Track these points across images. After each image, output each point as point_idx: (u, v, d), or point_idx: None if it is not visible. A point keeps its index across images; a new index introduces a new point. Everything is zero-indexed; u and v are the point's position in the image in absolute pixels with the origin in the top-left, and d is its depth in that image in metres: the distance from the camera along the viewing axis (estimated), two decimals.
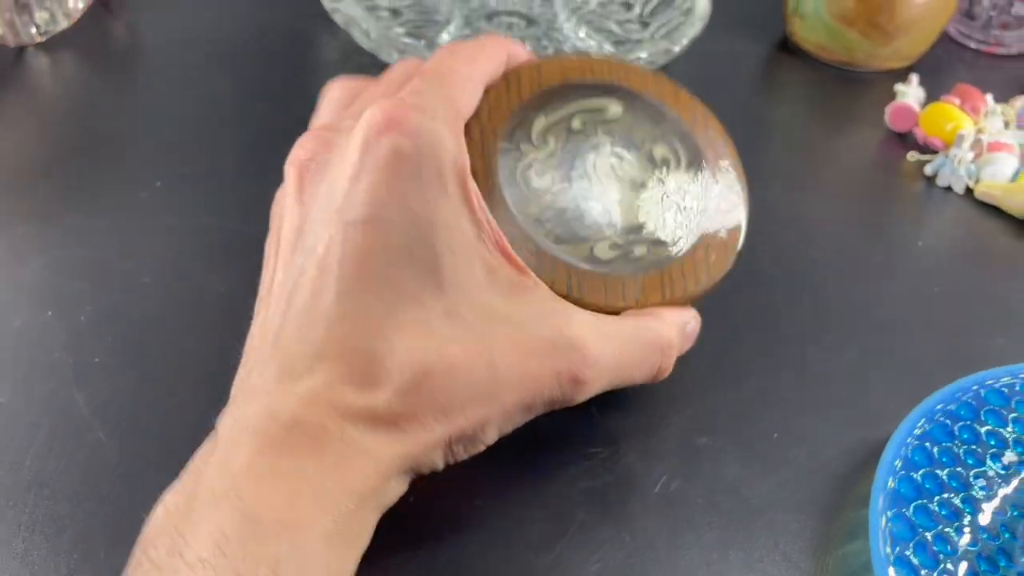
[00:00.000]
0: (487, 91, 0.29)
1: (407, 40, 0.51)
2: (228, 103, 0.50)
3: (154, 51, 0.55)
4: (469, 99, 0.28)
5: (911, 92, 0.54)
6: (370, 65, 0.54)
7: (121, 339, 0.34)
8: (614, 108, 0.31)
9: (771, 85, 0.60)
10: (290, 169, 0.28)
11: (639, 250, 0.30)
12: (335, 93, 0.31)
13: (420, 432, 0.23)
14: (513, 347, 0.25)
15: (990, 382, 0.34)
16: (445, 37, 0.56)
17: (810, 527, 0.30)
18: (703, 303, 0.32)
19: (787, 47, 0.63)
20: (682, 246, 0.30)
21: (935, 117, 0.51)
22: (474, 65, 0.28)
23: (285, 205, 0.27)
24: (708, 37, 0.60)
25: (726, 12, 0.64)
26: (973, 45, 0.66)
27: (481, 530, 0.29)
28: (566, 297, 0.28)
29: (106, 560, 0.27)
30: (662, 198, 0.31)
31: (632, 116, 0.32)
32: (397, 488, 0.24)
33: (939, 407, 0.32)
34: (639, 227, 0.30)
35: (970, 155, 0.48)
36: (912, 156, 0.51)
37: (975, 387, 0.33)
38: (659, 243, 0.30)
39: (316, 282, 0.24)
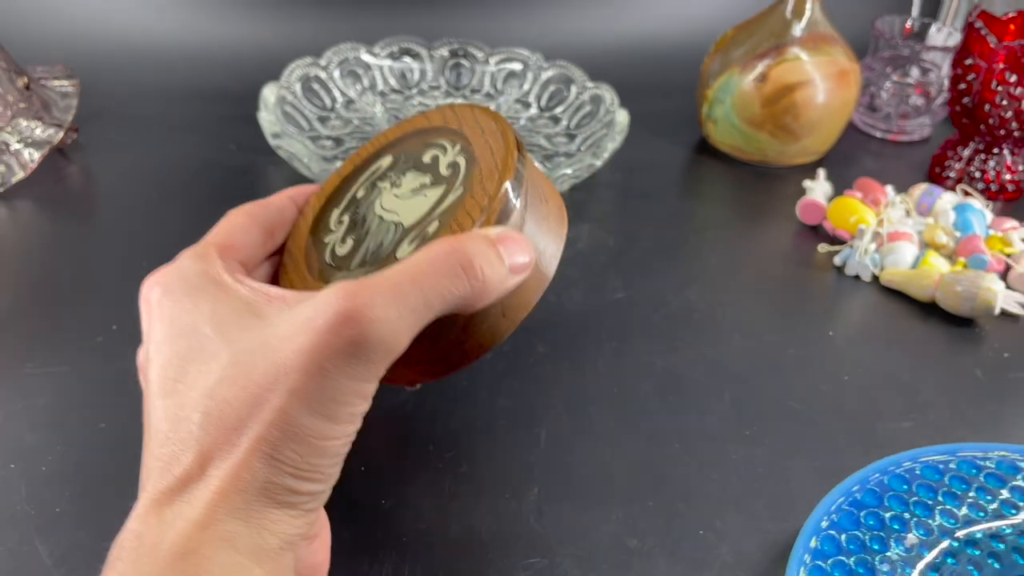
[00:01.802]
0: (291, 230, 0.34)
1: None
2: (179, 240, 0.53)
3: (107, 193, 0.58)
4: (231, 235, 0.31)
5: (818, 187, 0.59)
6: None
7: (81, 488, 0.36)
8: (385, 161, 0.34)
9: (692, 187, 0.64)
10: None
11: (432, 227, 0.31)
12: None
13: (222, 464, 0.24)
14: (282, 340, 0.25)
15: (892, 468, 0.37)
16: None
17: None
18: (631, 412, 0.34)
19: (706, 149, 0.68)
20: (462, 197, 0.31)
21: (840, 211, 0.55)
22: (237, 212, 0.32)
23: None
24: (631, 145, 0.64)
25: (647, 120, 0.69)
26: (879, 134, 0.71)
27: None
28: None
29: None
30: (439, 181, 0.32)
31: (401, 153, 0.34)
32: (250, 530, 0.24)
33: (844, 497, 0.35)
34: (428, 213, 0.31)
35: (872, 246, 0.52)
36: (822, 248, 0.55)
37: (878, 475, 0.36)
38: (446, 210, 0.31)
39: (146, 415, 0.28)
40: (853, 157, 0.69)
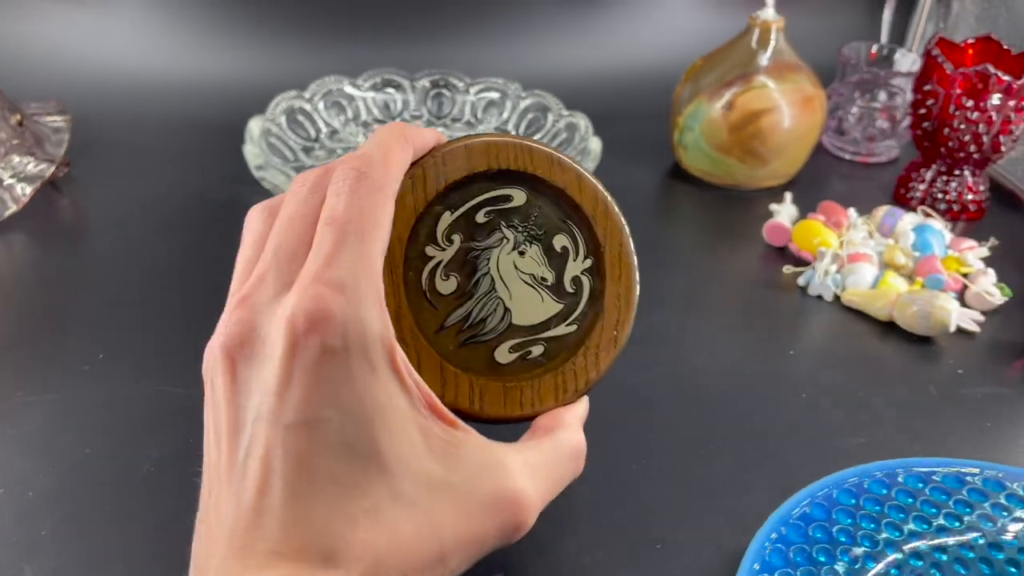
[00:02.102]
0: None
1: None
2: (166, 270, 0.55)
3: (97, 224, 0.60)
4: (384, 244, 0.27)
5: (784, 210, 0.61)
6: None
7: (67, 511, 0.38)
8: (518, 197, 0.32)
9: (664, 211, 0.66)
10: (220, 351, 0.27)
11: (537, 349, 0.32)
12: (256, 226, 0.30)
13: None
14: (458, 513, 0.26)
15: (840, 483, 0.39)
16: None
17: None
18: (597, 430, 0.36)
19: (679, 174, 0.70)
20: (575, 342, 0.32)
21: (804, 233, 0.57)
22: (387, 196, 0.28)
23: (218, 398, 0.27)
24: (607, 171, 0.66)
25: (622, 146, 0.71)
26: (848, 157, 0.73)
27: None
28: (468, 409, 0.30)
29: None
30: (559, 293, 0.32)
31: (535, 205, 0.32)
32: None
33: (794, 511, 0.37)
34: (537, 325, 0.32)
35: (833, 267, 0.54)
36: (787, 269, 0.57)
37: (826, 489, 0.38)
38: (555, 340, 0.32)
39: (262, 483, 0.24)
40: (823, 179, 0.71)
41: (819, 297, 0.55)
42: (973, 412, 0.46)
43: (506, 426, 0.32)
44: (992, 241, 0.59)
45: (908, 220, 0.59)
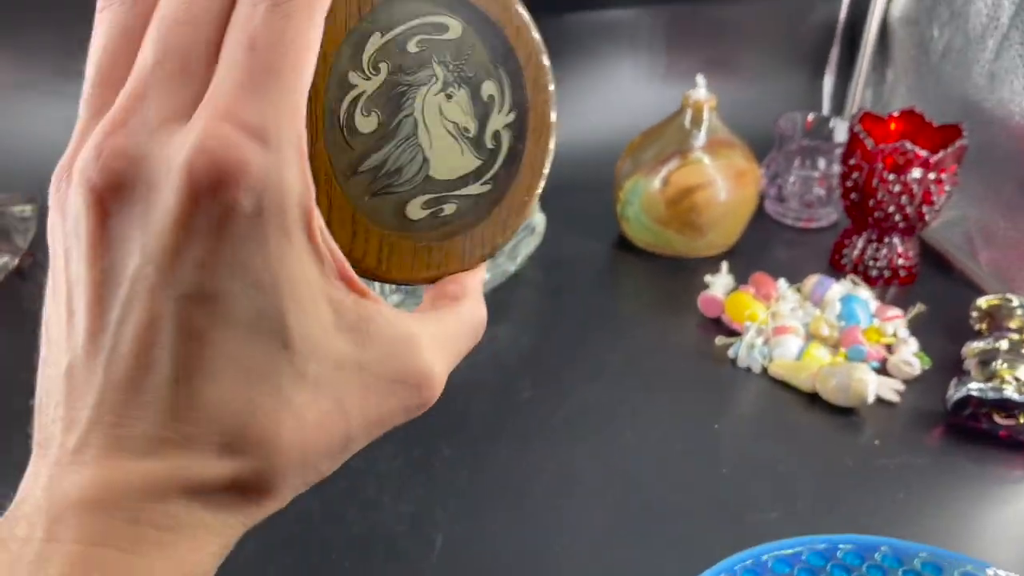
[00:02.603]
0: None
1: None
2: None
3: None
4: (308, 78, 0.23)
5: (719, 282, 0.63)
6: None
7: None
8: (453, 28, 0.29)
9: (608, 281, 0.69)
10: (86, 198, 0.21)
11: (449, 208, 0.30)
12: (119, 9, 0.24)
13: (275, 500, 0.23)
14: (366, 393, 0.24)
15: (744, 562, 0.41)
16: None
17: None
18: (524, 511, 0.38)
19: (624, 244, 0.72)
20: (486, 203, 0.30)
21: (735, 306, 0.60)
22: (319, 12, 0.23)
23: (79, 250, 0.22)
24: (556, 243, 0.69)
25: (571, 219, 0.73)
26: (789, 222, 0.76)
27: None
28: (375, 271, 0.29)
29: None
30: (478, 148, 0.30)
31: (469, 39, 0.30)
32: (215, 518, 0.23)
33: None
34: (453, 181, 0.30)
35: (759, 340, 0.57)
36: (719, 340, 0.59)
37: (725, 572, 0.40)
38: (467, 198, 0.30)
39: (142, 358, 0.21)
40: (765, 244, 0.73)
41: (748, 369, 0.57)
42: (887, 483, 0.48)
43: None
44: (919, 307, 0.62)
45: (836, 289, 0.61)
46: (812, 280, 0.63)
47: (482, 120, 0.30)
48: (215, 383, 0.21)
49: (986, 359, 0.53)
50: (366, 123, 0.27)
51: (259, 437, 0.22)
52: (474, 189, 0.30)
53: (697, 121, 0.66)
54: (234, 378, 0.22)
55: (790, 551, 0.41)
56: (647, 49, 0.85)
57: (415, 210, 0.29)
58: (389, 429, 0.25)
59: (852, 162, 0.64)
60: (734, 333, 0.60)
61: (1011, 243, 0.66)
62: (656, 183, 0.66)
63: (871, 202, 0.63)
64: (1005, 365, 0.52)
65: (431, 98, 0.29)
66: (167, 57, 0.22)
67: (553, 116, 0.31)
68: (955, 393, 0.52)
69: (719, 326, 0.62)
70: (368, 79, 0.27)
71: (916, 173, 0.61)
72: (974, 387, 0.51)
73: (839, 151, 0.73)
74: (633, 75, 0.85)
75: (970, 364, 0.54)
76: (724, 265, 0.65)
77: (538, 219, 0.66)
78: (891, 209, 0.63)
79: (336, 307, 0.24)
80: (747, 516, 0.46)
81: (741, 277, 0.65)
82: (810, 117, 0.76)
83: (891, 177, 0.61)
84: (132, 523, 0.20)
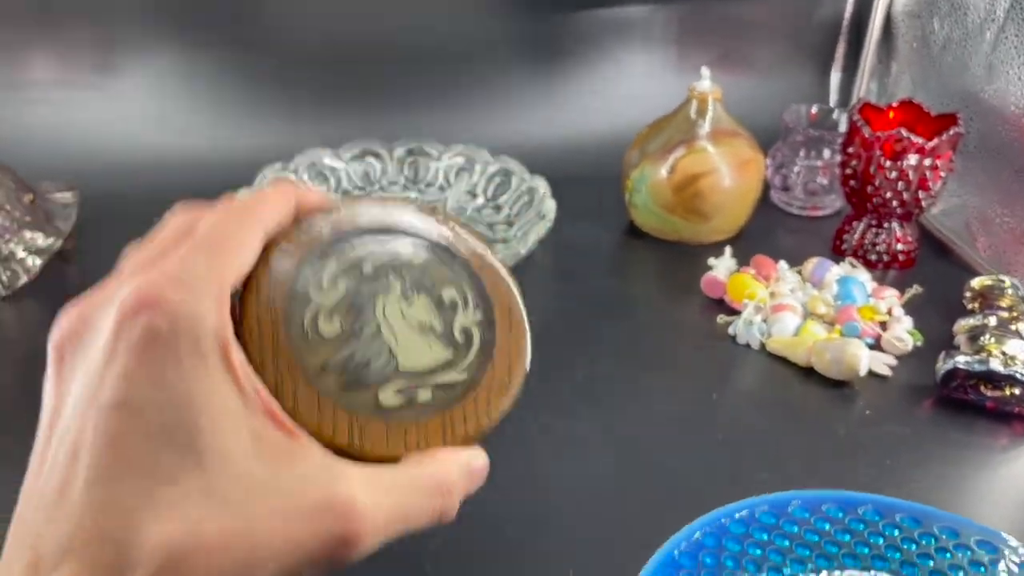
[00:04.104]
0: (276, 237, 0.30)
1: None
2: None
3: None
4: (240, 263, 0.27)
5: (722, 264, 0.66)
6: None
7: None
8: (405, 251, 0.32)
9: (616, 266, 0.72)
10: (51, 346, 0.26)
11: (423, 395, 0.31)
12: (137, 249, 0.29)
13: None
14: (274, 516, 0.24)
15: (736, 514, 0.43)
16: None
17: None
18: (525, 470, 0.41)
19: (633, 231, 0.75)
20: (463, 388, 0.32)
21: (736, 286, 0.62)
22: (250, 225, 0.28)
23: (45, 388, 0.26)
24: (566, 230, 0.72)
25: (582, 206, 0.77)
26: (795, 211, 0.79)
27: None
28: (348, 447, 0.29)
29: None
30: (448, 342, 0.32)
31: (423, 259, 0.33)
32: None
33: (687, 539, 0.42)
34: (424, 372, 0.31)
35: (758, 317, 0.59)
36: (720, 319, 0.62)
37: (718, 519, 0.43)
38: (443, 387, 0.31)
39: (66, 470, 0.23)
40: (770, 231, 0.76)
41: (747, 345, 0.60)
42: (875, 450, 0.51)
43: None
44: (915, 289, 0.64)
45: (835, 271, 0.64)
46: (812, 262, 0.65)
47: (447, 319, 0.32)
48: (122, 486, 0.22)
49: (975, 334, 0.56)
50: (330, 328, 0.30)
51: (156, 543, 0.22)
52: (449, 377, 0.31)
53: (702, 111, 0.68)
54: (141, 484, 0.23)
55: (773, 504, 0.44)
56: (658, 44, 0.88)
57: (388, 397, 0.30)
58: (310, 562, 0.25)
59: (851, 150, 0.66)
60: (735, 312, 0.63)
61: (1008, 229, 0.68)
62: (663, 171, 0.69)
63: (869, 188, 0.66)
64: (993, 340, 0.54)
65: (392, 304, 0.31)
66: (138, 260, 0.27)
67: (521, 307, 0.34)
68: (943, 365, 0.54)
69: (721, 306, 0.64)
70: (327, 294, 0.30)
71: (912, 160, 0.63)
72: (961, 360, 0.53)
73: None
74: (644, 70, 0.88)
75: (960, 339, 0.57)
76: (728, 249, 0.68)
77: (549, 205, 0.69)
78: (889, 195, 0.65)
79: (256, 436, 0.25)
80: (740, 476, 0.48)
81: (745, 261, 0.67)
82: (814, 109, 0.79)
83: (888, 164, 0.64)
84: None
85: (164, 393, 0.23)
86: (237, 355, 0.25)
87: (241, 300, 0.29)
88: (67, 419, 0.24)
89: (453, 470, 0.30)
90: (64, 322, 0.26)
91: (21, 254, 0.65)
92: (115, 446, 0.23)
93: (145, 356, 0.23)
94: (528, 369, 0.33)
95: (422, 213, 0.34)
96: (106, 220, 0.76)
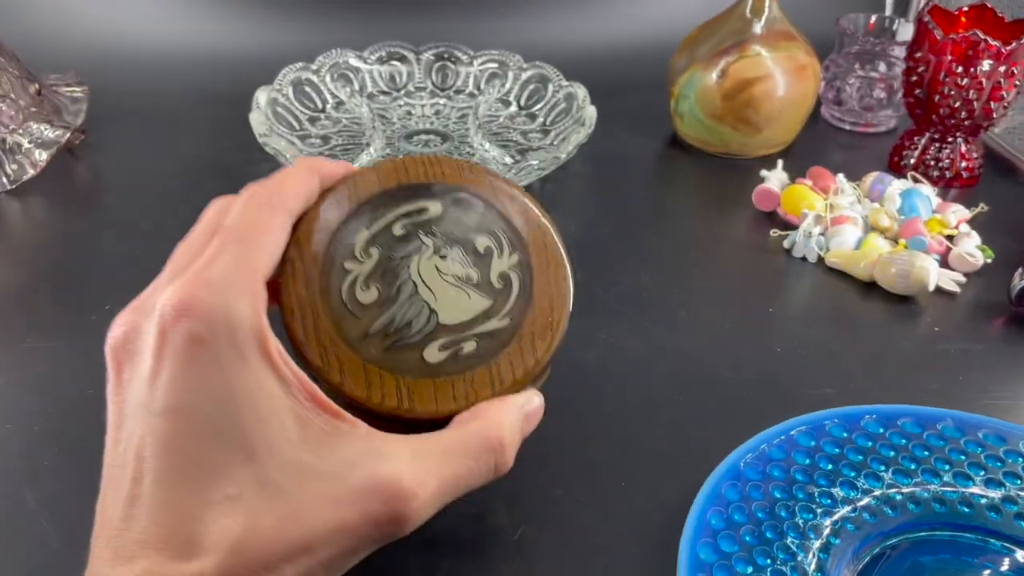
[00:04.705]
0: (305, 215, 0.31)
1: None
2: (174, 231, 0.57)
3: (111, 189, 0.63)
4: (270, 250, 0.29)
5: (774, 176, 0.62)
6: None
7: (68, 445, 0.40)
8: (433, 208, 0.33)
9: (659, 178, 0.68)
10: (108, 353, 0.28)
11: (468, 347, 0.31)
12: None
13: None
14: (324, 503, 0.25)
15: (804, 427, 0.40)
16: (365, 159, 0.64)
17: (644, 559, 0.36)
18: (572, 379, 0.38)
19: (676, 143, 0.71)
20: (507, 335, 0.32)
21: (791, 198, 0.58)
22: (274, 209, 0.30)
23: (107, 394, 0.28)
24: (606, 140, 0.68)
25: (623, 116, 0.72)
26: (847, 127, 0.74)
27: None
28: (397, 410, 0.29)
29: None
30: (487, 290, 0.32)
31: (452, 212, 0.33)
32: None
33: (753, 450, 0.38)
34: (466, 323, 0.31)
35: (817, 229, 0.55)
36: (774, 232, 0.58)
37: (786, 432, 0.39)
38: (486, 335, 0.31)
39: (134, 472, 0.25)
40: (821, 148, 0.72)
41: (803, 259, 0.56)
42: (945, 366, 0.47)
43: None
44: (981, 207, 0.60)
45: (897, 185, 0.59)
46: (871, 176, 0.61)
47: (483, 268, 0.32)
48: (183, 487, 0.25)
49: None
50: (366, 296, 0.31)
51: (217, 537, 0.24)
52: (491, 325, 0.31)
53: (758, 11, 0.64)
54: (199, 482, 0.25)
55: (844, 418, 0.41)
56: None
57: (432, 354, 0.30)
58: (364, 544, 0.26)
59: (918, 55, 0.61)
60: (788, 227, 0.59)
61: None
62: (712, 76, 0.64)
63: (936, 98, 0.61)
64: None
65: (425, 263, 0.32)
66: (173, 261, 0.30)
67: (557, 242, 0.33)
68: (1020, 283, 0.50)
69: (773, 220, 0.60)
70: (362, 263, 0.31)
71: (986, 66, 0.58)
72: None
73: (901, 52, 0.71)
74: None
75: None
76: (780, 161, 0.64)
77: (589, 112, 0.65)
78: (957, 104, 0.61)
79: (302, 422, 0.26)
80: (800, 391, 0.45)
81: (796, 176, 0.63)
82: (873, 18, 0.74)
83: (959, 70, 0.59)
84: None
85: (210, 395, 0.25)
86: (275, 346, 0.27)
87: (279, 281, 0.30)
88: (129, 425, 0.26)
89: (504, 423, 0.30)
90: (116, 330, 0.28)
91: (27, 145, 0.61)
92: (171, 449, 0.25)
93: (189, 362, 0.25)
94: (571, 305, 0.33)
95: (437, 159, 0.34)
96: (118, 117, 0.72)
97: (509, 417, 0.30)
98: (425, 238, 0.32)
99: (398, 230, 0.32)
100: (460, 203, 0.33)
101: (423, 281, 0.31)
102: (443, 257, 0.32)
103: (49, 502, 0.37)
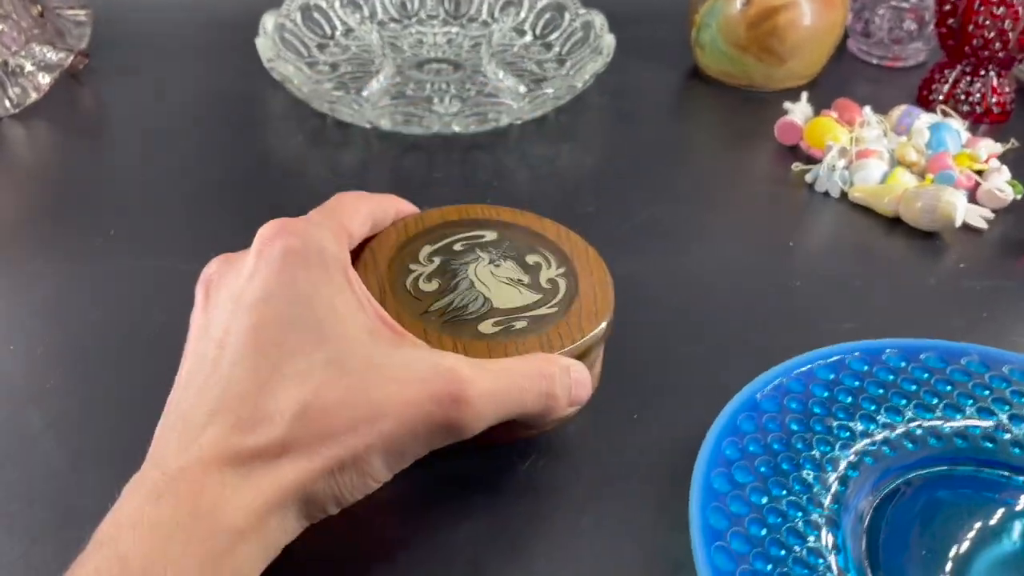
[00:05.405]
0: (378, 234, 0.36)
1: (336, 93, 0.57)
2: (179, 157, 0.57)
3: (116, 114, 0.61)
4: (356, 222, 0.33)
5: (798, 109, 0.60)
6: (309, 115, 0.60)
7: (73, 366, 0.40)
8: (490, 235, 0.38)
9: (678, 111, 0.66)
10: (198, 287, 0.31)
11: (519, 324, 0.34)
12: None
13: (300, 461, 0.25)
14: (388, 381, 0.27)
15: (825, 360, 0.39)
16: (375, 86, 0.62)
17: (657, 489, 0.35)
18: None
19: (697, 75, 0.69)
20: (556, 319, 0.34)
21: (815, 131, 0.56)
22: (362, 201, 0.35)
23: (194, 317, 0.30)
24: (623, 71, 0.66)
25: (641, 46, 0.70)
26: (875, 61, 0.72)
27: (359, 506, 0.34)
28: None
29: (53, 552, 0.32)
30: (537, 289, 0.35)
31: (506, 237, 0.38)
32: (283, 527, 0.26)
33: (770, 383, 0.37)
34: (519, 309, 0.34)
35: (841, 162, 0.53)
36: (796, 166, 0.56)
37: (805, 365, 0.38)
38: (536, 318, 0.34)
39: (216, 358, 0.27)
40: (847, 82, 0.69)
41: (826, 194, 0.54)
42: (971, 302, 0.46)
43: None
44: (1012, 143, 0.58)
45: (925, 119, 0.57)
46: (899, 110, 0.59)
47: (534, 275, 0.36)
48: (258, 362, 0.27)
49: None
50: (429, 286, 0.35)
51: (285, 404, 0.26)
52: (541, 311, 0.35)
53: None
54: (274, 358, 0.27)
55: (865, 351, 0.39)
56: None
57: (487, 328, 0.33)
58: (424, 423, 0.27)
59: None
60: (812, 161, 0.57)
61: None
62: (736, 4, 0.62)
63: (971, 27, 0.59)
64: None
65: (481, 268, 0.36)
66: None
67: (598, 257, 0.38)
68: None
69: (796, 154, 0.58)
70: (425, 266, 0.36)
71: None
72: None
73: None
74: None
75: None
76: (804, 94, 0.62)
77: (607, 40, 0.63)
78: (992, 35, 0.58)
79: (370, 331, 0.29)
80: (821, 325, 0.44)
81: (817, 111, 0.61)
82: None
83: None
84: (174, 482, 0.25)
85: (295, 291, 0.28)
86: (355, 277, 0.30)
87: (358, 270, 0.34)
88: (215, 324, 0.29)
89: (555, 364, 0.32)
90: (211, 265, 0.31)
91: (30, 68, 0.59)
92: (254, 332, 0.27)
93: (281, 265, 0.28)
94: (614, 303, 0.36)
95: (493, 206, 0.39)
96: (122, 41, 0.70)
97: (560, 365, 0.32)
98: (481, 252, 0.37)
99: (458, 246, 0.37)
100: (512, 230, 0.38)
101: (479, 279, 0.35)
102: (496, 265, 0.36)
103: (54, 421, 0.37)
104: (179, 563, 0.23)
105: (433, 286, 0.35)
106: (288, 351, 0.27)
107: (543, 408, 0.31)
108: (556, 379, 0.31)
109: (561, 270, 0.37)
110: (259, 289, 0.28)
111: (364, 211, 0.35)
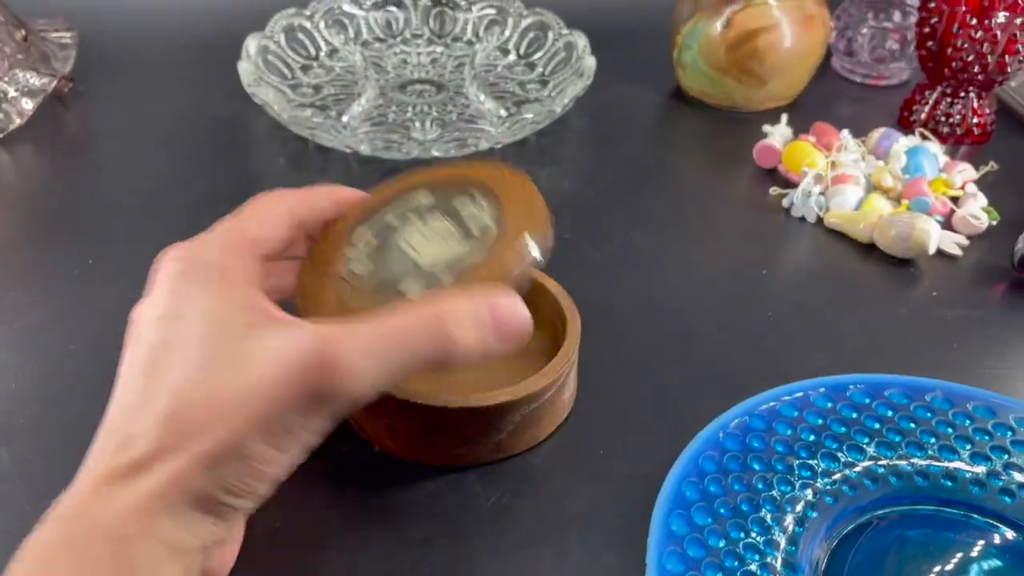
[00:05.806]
0: (323, 231, 0.36)
1: (316, 120, 0.57)
2: (163, 182, 0.57)
3: (100, 139, 0.62)
4: (266, 226, 0.33)
5: (777, 132, 0.60)
6: (291, 138, 0.61)
7: (46, 402, 0.40)
8: (425, 197, 0.36)
9: (659, 132, 0.66)
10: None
11: (445, 279, 0.32)
12: None
13: (169, 463, 0.26)
14: (257, 365, 0.27)
15: (789, 396, 0.39)
16: (356, 108, 0.62)
17: (619, 528, 0.36)
18: None
19: (679, 95, 0.69)
20: (482, 264, 0.32)
21: (793, 155, 0.57)
22: (279, 202, 0.34)
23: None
24: (605, 91, 0.66)
25: (623, 66, 0.70)
26: (858, 79, 0.72)
27: (335, 543, 0.34)
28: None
29: None
30: (467, 238, 0.33)
31: (438, 195, 0.36)
32: (184, 524, 0.26)
33: (733, 422, 0.37)
34: (444, 263, 0.33)
35: (817, 188, 0.54)
36: (773, 191, 0.56)
37: (773, 402, 0.38)
38: (464, 269, 0.32)
39: (117, 383, 0.29)
40: (830, 102, 0.69)
41: (802, 219, 0.54)
42: (941, 333, 0.46)
43: None
44: (990, 165, 0.58)
45: (903, 143, 0.57)
46: (878, 132, 0.59)
47: (467, 225, 0.34)
48: (134, 385, 0.28)
49: None
50: (363, 268, 0.34)
51: (152, 423, 0.26)
52: (469, 261, 0.33)
53: None
54: (145, 379, 0.28)
55: (829, 388, 0.40)
56: None
57: (414, 290, 0.32)
58: (298, 398, 0.27)
59: (932, 5, 0.59)
60: (789, 184, 0.57)
61: None
62: (717, 25, 0.62)
63: (949, 51, 0.59)
64: None
65: (411, 232, 0.35)
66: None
67: (532, 185, 0.35)
68: (1022, 247, 0.48)
69: (774, 178, 0.59)
70: (360, 249, 0.35)
71: (1001, 18, 0.56)
72: None
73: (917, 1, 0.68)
74: None
75: None
76: (784, 116, 0.62)
77: (588, 63, 0.63)
78: (971, 58, 0.58)
79: (249, 325, 0.28)
80: (791, 357, 0.44)
81: (801, 132, 0.61)
82: None
83: (973, 22, 0.57)
84: (68, 509, 0.26)
85: (178, 308, 0.29)
86: (245, 279, 0.31)
87: (298, 276, 0.35)
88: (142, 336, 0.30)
89: (452, 303, 0.29)
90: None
91: (13, 94, 0.60)
92: (140, 354, 0.29)
93: (167, 287, 0.30)
94: (548, 230, 0.33)
95: (435, 170, 0.38)
96: (107, 64, 0.71)
97: (454, 304, 0.29)
98: (415, 217, 0.35)
99: (391, 218, 0.36)
100: (447, 187, 0.36)
101: (408, 244, 0.34)
102: (427, 223, 0.35)
103: (24, 462, 0.37)
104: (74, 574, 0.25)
105: (368, 267, 0.34)
106: (165, 368, 0.27)
107: (442, 353, 0.28)
108: (451, 318, 0.29)
109: (494, 212, 0.34)
110: (148, 311, 0.29)
111: (279, 211, 0.34)
